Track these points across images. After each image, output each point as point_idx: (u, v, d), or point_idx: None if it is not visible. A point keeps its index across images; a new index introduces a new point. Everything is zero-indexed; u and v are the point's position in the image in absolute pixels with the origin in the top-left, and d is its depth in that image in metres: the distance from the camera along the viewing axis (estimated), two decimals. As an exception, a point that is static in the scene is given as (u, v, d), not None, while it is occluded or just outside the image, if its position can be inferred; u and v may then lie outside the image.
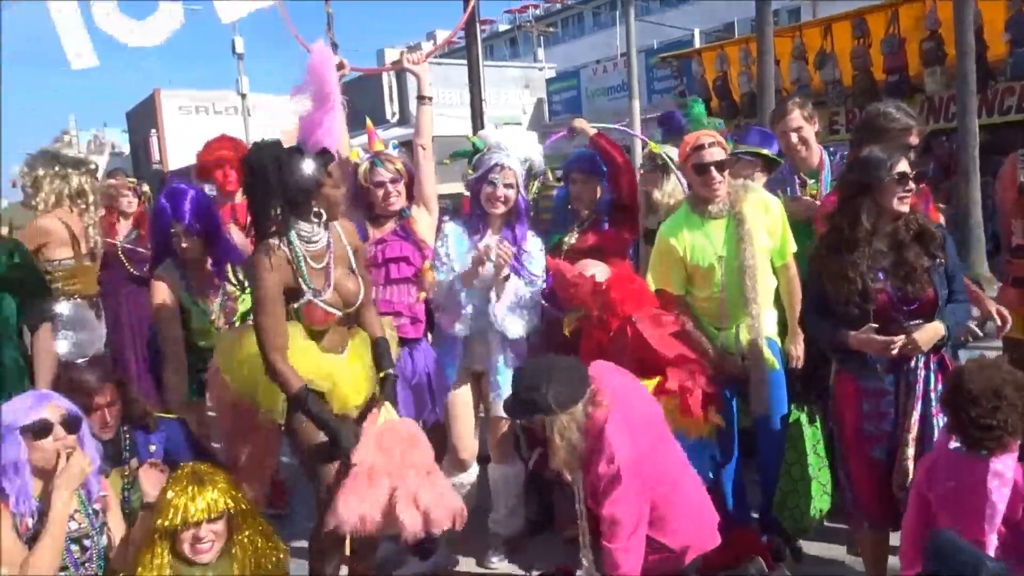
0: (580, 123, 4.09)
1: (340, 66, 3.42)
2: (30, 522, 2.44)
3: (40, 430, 2.45)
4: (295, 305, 2.77)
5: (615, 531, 2.64)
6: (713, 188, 3.28)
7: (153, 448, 2.89)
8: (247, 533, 2.60)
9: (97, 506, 2.62)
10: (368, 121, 3.78)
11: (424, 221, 3.60)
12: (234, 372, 2.88)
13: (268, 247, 2.71)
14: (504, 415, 3.58)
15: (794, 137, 3.77)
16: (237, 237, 3.95)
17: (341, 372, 2.87)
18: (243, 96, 24.10)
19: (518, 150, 3.62)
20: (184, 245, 3.48)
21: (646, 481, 2.71)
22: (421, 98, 3.58)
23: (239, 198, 4.75)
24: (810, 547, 3.56)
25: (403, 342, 3.44)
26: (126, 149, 41.60)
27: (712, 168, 3.26)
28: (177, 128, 31.88)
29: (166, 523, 2.45)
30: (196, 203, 3.50)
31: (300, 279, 2.75)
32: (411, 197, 3.61)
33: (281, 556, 2.68)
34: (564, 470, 2.77)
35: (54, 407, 2.51)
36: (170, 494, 2.48)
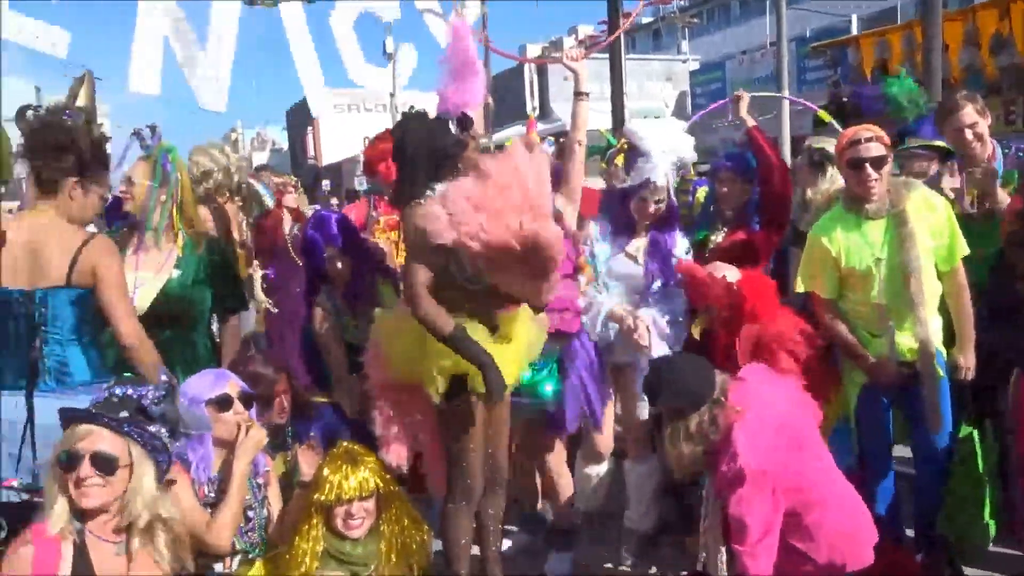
0: (745, 102, 3.95)
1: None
2: (206, 489, 2.68)
3: (222, 403, 2.69)
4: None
5: (742, 534, 2.60)
6: (868, 186, 3.11)
7: (313, 435, 3.08)
8: (395, 513, 2.72)
9: (260, 480, 2.83)
10: (531, 112, 3.84)
11: (569, 216, 3.62)
12: (394, 350, 2.96)
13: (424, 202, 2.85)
14: (642, 413, 3.59)
15: (969, 134, 3.52)
16: (384, 246, 4.12)
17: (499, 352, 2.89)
18: (392, 95, 25.06)
19: (670, 148, 3.59)
20: (339, 266, 3.57)
21: (779, 488, 2.63)
22: (579, 94, 3.49)
23: None
24: (973, 572, 3.32)
25: (567, 336, 3.44)
26: (285, 145, 44.30)
27: (867, 165, 3.08)
28: (331, 125, 33.58)
29: (322, 498, 2.62)
30: (342, 225, 3.64)
31: None
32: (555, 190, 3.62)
33: (425, 537, 2.80)
34: (674, 469, 2.77)
35: (233, 384, 2.76)
36: (326, 471, 2.64)
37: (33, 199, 2.80)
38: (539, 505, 3.69)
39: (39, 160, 2.72)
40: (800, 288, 3.31)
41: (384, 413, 3.03)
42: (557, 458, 3.58)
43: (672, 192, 3.63)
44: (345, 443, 2.77)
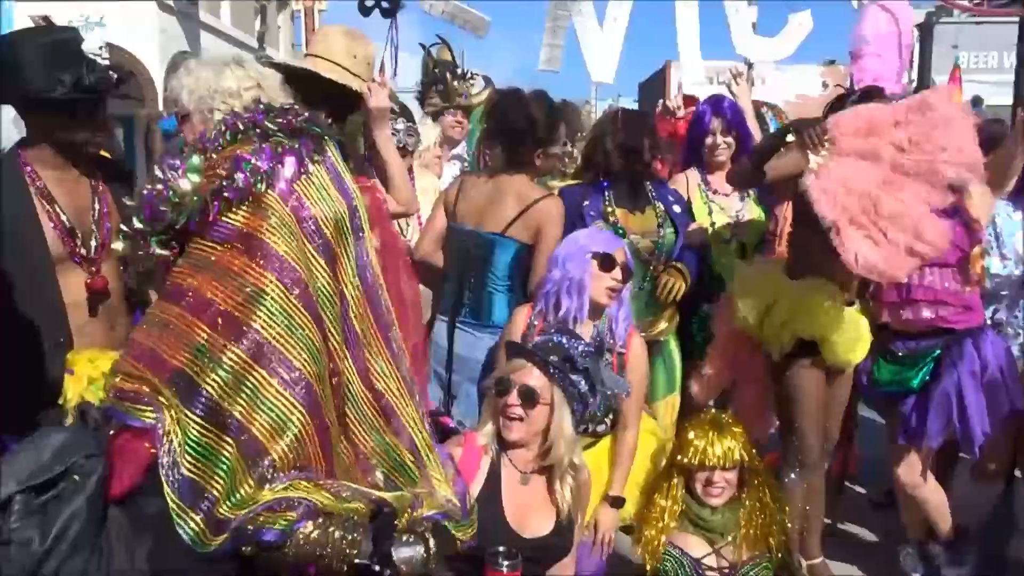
0: None
1: None
2: None
3: (607, 262, 2.64)
4: None
5: None
6: None
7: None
8: (758, 489, 2.66)
9: None
10: (956, 64, 3.52)
11: (984, 201, 3.12)
12: (745, 301, 3.04)
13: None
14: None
15: None
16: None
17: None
18: (750, 66, 24.19)
19: None
20: (720, 144, 3.60)
21: None
22: None
23: None
24: None
25: (953, 332, 3.09)
26: (634, 118, 45.00)
27: None
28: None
29: (684, 460, 2.64)
30: (734, 107, 3.64)
31: None
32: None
33: (787, 520, 2.70)
34: None
35: (623, 252, 2.72)
36: (691, 434, 2.65)
37: (504, 164, 3.07)
38: None
39: (506, 142, 3.03)
40: None
41: (719, 358, 3.26)
42: (909, 470, 3.15)
43: None
44: (713, 410, 2.76)
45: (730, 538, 2.64)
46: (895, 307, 3.11)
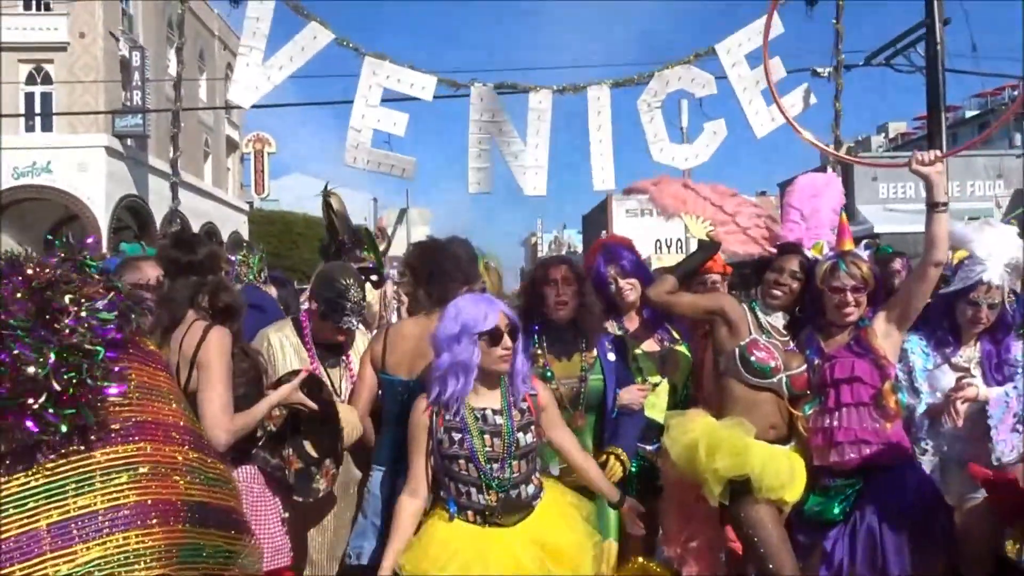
0: None
1: None
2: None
3: (494, 338, 2.60)
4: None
5: None
6: None
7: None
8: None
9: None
10: (843, 215, 3.57)
11: (891, 337, 3.12)
12: (675, 450, 3.06)
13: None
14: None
15: None
16: None
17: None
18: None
19: (1003, 254, 3.23)
20: (625, 287, 3.66)
21: None
22: (933, 206, 2.96)
23: None
24: None
25: (880, 470, 3.06)
26: (580, 248, 46.53)
27: None
28: (625, 229, 34.65)
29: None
30: (623, 250, 3.76)
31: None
32: (873, 304, 3.19)
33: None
34: None
35: (503, 314, 2.65)
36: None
37: (431, 307, 3.08)
38: None
39: (435, 283, 3.07)
40: None
41: (671, 509, 3.30)
42: None
43: (1006, 298, 3.26)
44: (641, 559, 2.73)
45: None
46: (821, 450, 3.10)
